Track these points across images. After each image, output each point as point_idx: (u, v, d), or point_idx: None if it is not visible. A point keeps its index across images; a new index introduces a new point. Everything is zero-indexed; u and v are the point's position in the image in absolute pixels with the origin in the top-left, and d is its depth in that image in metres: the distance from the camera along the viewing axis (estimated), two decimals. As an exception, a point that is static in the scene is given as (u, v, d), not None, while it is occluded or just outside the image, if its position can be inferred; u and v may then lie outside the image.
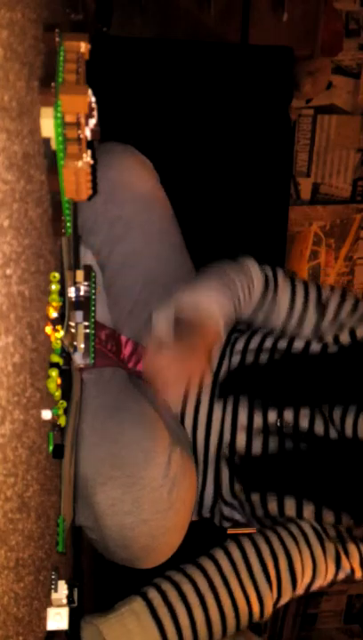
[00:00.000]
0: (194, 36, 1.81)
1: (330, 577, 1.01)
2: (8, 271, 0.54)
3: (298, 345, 1.10)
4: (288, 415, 1.05)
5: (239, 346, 1.12)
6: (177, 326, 1.00)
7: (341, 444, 1.04)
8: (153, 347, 0.98)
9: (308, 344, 1.10)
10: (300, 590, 1.00)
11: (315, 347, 1.10)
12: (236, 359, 1.11)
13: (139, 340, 1.11)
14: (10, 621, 0.61)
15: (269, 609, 0.97)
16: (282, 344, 1.10)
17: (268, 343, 1.11)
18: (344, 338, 1.09)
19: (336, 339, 1.10)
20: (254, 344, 1.11)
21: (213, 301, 1.00)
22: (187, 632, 0.91)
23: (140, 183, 1.09)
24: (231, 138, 1.71)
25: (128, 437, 0.98)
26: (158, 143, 1.50)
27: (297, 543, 0.99)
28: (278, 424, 1.05)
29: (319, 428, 1.05)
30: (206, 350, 0.98)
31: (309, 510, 1.02)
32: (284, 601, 0.99)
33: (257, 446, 1.06)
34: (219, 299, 1.00)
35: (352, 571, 1.01)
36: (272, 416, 1.06)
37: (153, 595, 0.92)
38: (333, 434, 1.05)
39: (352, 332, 1.09)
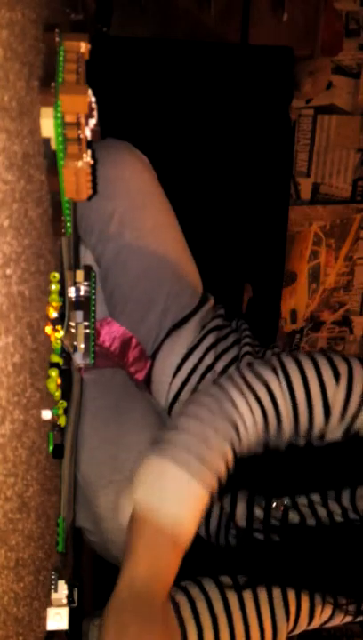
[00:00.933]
0: (194, 36, 1.81)
1: (348, 618, 0.98)
2: (8, 271, 0.54)
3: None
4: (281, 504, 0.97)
5: None
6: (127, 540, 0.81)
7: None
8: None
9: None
10: (315, 625, 0.98)
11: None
12: None
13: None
14: (10, 621, 0.60)
15: (282, 638, 0.94)
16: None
17: None
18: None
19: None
20: None
21: (174, 503, 0.78)
22: None
23: (135, 179, 1.08)
24: (231, 138, 1.71)
25: (129, 440, 0.97)
26: (158, 143, 1.50)
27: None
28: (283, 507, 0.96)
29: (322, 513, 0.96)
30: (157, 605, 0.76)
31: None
32: (297, 632, 0.97)
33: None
34: (183, 494, 0.78)
35: None
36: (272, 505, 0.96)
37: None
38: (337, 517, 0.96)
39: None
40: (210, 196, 1.71)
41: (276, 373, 0.88)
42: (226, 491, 0.94)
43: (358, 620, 0.99)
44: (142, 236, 1.08)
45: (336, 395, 0.86)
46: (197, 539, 0.96)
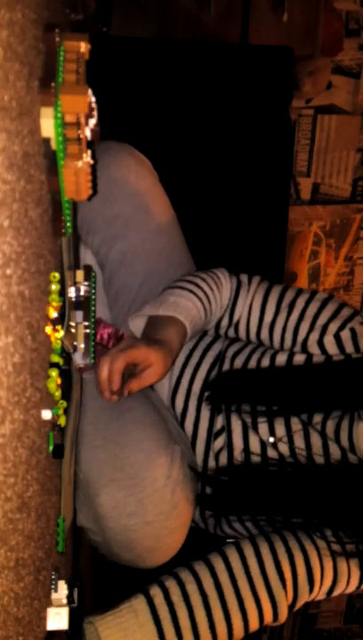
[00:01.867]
0: (194, 36, 1.81)
1: (355, 581, 0.94)
2: (8, 271, 0.54)
3: (281, 358, 1.04)
4: (281, 431, 1.00)
5: (230, 352, 1.09)
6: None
7: (340, 462, 0.98)
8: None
9: (292, 355, 1.04)
10: (319, 593, 0.94)
11: (299, 357, 1.03)
12: (226, 366, 1.07)
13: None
14: (10, 621, 0.60)
15: (283, 611, 0.92)
16: (266, 358, 1.05)
17: (254, 358, 1.06)
18: (330, 346, 1.01)
19: (321, 344, 1.02)
20: (241, 356, 1.07)
21: (173, 306, 0.99)
22: (187, 633, 0.88)
23: (137, 181, 1.09)
24: (231, 138, 1.71)
25: (130, 438, 0.97)
26: (158, 143, 1.50)
27: (314, 541, 0.93)
28: (272, 441, 1.00)
29: (316, 441, 0.99)
30: (124, 352, 0.93)
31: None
32: (300, 604, 0.94)
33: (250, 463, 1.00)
34: (183, 303, 1.00)
35: None
36: (264, 432, 1.00)
37: (155, 592, 0.90)
38: (333, 448, 0.99)
39: (337, 336, 1.01)
40: (210, 195, 1.71)
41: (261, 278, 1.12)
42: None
43: None
44: (147, 238, 1.09)
45: (299, 295, 1.06)
46: (191, 530, 0.98)
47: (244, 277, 1.10)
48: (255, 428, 1.00)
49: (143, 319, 1.02)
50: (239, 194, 1.74)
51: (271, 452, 1.00)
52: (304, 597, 0.94)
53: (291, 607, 0.93)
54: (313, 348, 1.02)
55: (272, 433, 1.00)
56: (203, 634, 0.88)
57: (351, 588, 0.96)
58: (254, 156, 1.73)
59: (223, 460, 1.02)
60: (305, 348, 1.03)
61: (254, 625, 0.91)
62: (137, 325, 1.03)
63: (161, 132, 1.65)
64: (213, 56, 1.70)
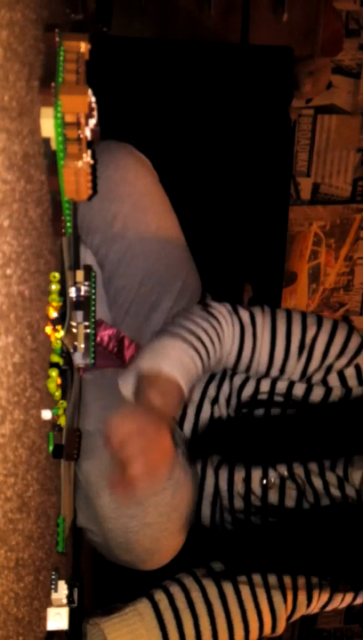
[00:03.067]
0: (194, 36, 1.81)
1: (349, 599, 0.97)
2: (8, 271, 0.54)
3: (281, 386, 1.00)
4: (274, 475, 0.98)
5: (212, 391, 1.04)
6: (139, 394, 0.91)
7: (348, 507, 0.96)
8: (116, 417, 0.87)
9: (291, 385, 1.00)
10: (315, 607, 0.97)
11: (298, 389, 1.00)
12: (206, 410, 1.03)
13: (138, 339, 1.11)
14: (10, 621, 0.60)
15: (282, 624, 0.94)
16: (265, 386, 1.01)
17: (249, 387, 1.01)
18: (333, 381, 0.98)
19: (324, 381, 0.99)
20: (228, 388, 1.03)
21: (173, 363, 0.90)
22: None
23: (137, 180, 1.09)
24: (231, 138, 1.71)
25: None
26: (158, 143, 1.50)
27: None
28: (270, 483, 0.98)
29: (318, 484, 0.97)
30: (166, 421, 0.88)
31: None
32: (297, 616, 0.96)
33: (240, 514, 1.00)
34: (180, 359, 0.91)
35: None
36: (257, 476, 0.98)
37: (160, 597, 0.91)
38: (335, 493, 0.97)
39: (341, 374, 0.97)
40: (210, 196, 1.71)
41: (262, 309, 1.00)
42: (223, 461, 0.98)
43: (358, 602, 0.98)
44: (146, 238, 1.08)
45: (318, 337, 0.97)
46: (191, 529, 0.98)
47: (245, 316, 0.99)
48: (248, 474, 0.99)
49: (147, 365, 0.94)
50: (239, 194, 1.74)
51: (272, 497, 1.00)
52: (302, 611, 0.96)
53: (287, 619, 0.95)
54: (317, 382, 1.00)
55: (266, 476, 0.99)
56: None
57: (345, 604, 0.98)
58: (254, 156, 1.73)
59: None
60: (310, 381, 1.00)
61: (254, 635, 0.93)
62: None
63: (161, 131, 1.65)
64: (213, 56, 1.70)
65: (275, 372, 1.00)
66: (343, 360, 0.96)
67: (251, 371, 1.01)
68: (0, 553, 0.56)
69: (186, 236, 1.18)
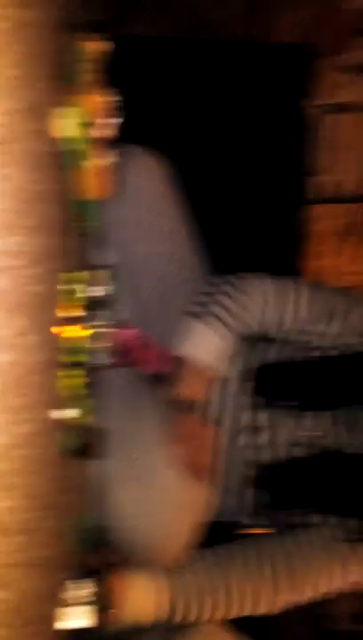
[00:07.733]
0: (213, 36, 1.81)
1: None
2: (32, 271, 0.54)
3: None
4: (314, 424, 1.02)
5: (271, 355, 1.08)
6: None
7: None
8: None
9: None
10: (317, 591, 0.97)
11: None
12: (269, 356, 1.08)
13: (159, 339, 1.12)
14: (29, 619, 0.61)
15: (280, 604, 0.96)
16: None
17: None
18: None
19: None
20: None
21: (207, 348, 0.99)
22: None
23: (150, 185, 1.10)
24: (246, 135, 1.70)
25: (142, 436, 0.98)
26: (169, 143, 1.50)
27: (322, 544, 0.97)
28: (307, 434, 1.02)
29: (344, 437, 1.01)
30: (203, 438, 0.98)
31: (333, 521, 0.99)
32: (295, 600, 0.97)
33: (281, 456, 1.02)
34: (213, 340, 0.99)
35: None
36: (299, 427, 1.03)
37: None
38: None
39: None
40: (224, 194, 1.71)
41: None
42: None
43: None
44: (159, 242, 1.10)
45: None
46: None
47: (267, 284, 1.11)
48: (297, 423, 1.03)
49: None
50: (254, 192, 1.74)
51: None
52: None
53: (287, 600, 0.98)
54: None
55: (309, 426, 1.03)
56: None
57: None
58: (268, 154, 1.73)
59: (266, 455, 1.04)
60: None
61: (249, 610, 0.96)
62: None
63: (173, 131, 1.65)
64: (221, 54, 1.69)
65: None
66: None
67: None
68: (20, 552, 0.57)
69: (200, 236, 1.18)
